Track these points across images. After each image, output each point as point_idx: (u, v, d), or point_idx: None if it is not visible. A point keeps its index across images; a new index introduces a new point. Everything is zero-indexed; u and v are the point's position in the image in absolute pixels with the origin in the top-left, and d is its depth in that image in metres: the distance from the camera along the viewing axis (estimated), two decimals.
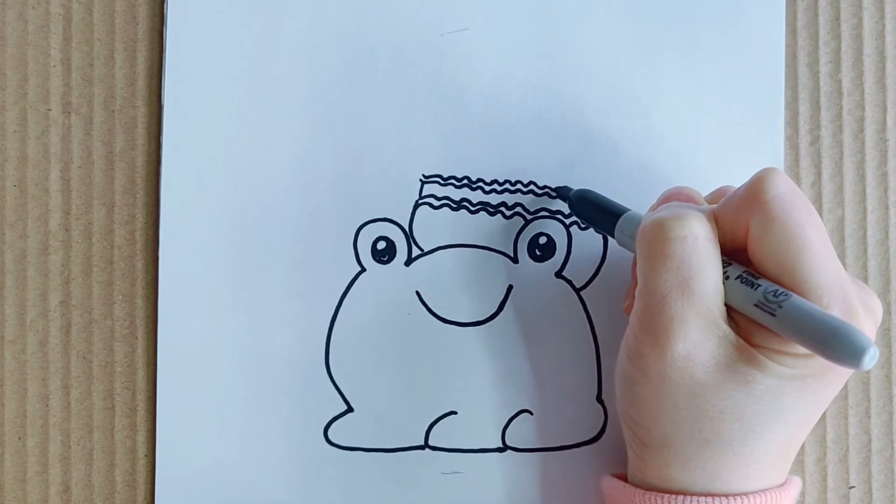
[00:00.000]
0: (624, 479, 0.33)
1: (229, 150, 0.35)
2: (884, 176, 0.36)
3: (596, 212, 0.34)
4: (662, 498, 0.30)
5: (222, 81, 0.36)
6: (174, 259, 0.35)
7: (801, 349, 0.27)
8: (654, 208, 0.32)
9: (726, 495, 0.29)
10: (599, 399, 0.36)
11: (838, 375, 0.29)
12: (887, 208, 0.36)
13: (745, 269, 0.29)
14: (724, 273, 0.29)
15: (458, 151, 0.36)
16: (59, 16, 0.36)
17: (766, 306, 0.27)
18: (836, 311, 0.27)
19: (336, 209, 0.36)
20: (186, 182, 0.35)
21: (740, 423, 0.29)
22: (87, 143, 0.36)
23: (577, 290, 0.36)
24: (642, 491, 0.31)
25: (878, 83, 0.37)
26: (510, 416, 0.36)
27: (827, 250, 0.28)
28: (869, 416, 0.36)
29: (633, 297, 0.31)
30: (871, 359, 0.24)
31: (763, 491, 0.30)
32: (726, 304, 0.29)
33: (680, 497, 0.30)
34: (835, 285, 0.27)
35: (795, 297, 0.27)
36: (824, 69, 0.37)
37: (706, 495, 0.29)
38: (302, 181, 0.36)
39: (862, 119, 0.37)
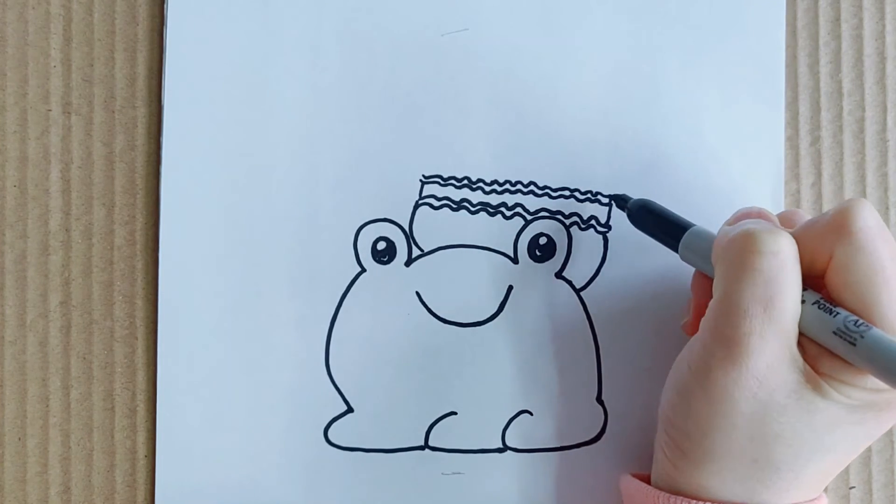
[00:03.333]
0: (645, 479, 0.33)
1: (229, 151, 0.35)
2: (884, 176, 0.36)
3: (658, 224, 0.33)
4: None
5: (222, 81, 0.36)
6: (174, 259, 0.35)
7: (869, 383, 0.27)
8: (729, 224, 0.31)
9: None
10: (599, 399, 0.36)
11: (895, 413, 0.29)
12: (888, 209, 0.36)
13: (821, 295, 0.28)
14: (801, 297, 0.28)
15: (458, 151, 0.36)
16: (59, 16, 0.36)
17: (847, 335, 0.27)
18: None
19: (336, 209, 0.36)
20: (186, 182, 0.35)
21: (793, 448, 0.28)
22: (87, 144, 0.36)
23: (578, 291, 0.36)
24: (670, 496, 0.30)
25: (878, 83, 0.37)
26: (510, 417, 0.35)
27: None
28: None
29: (695, 314, 0.30)
30: None
31: None
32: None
33: None
34: None
35: (876, 329, 0.26)
36: (825, 69, 0.37)
37: None
38: (302, 181, 0.36)
39: (862, 119, 0.37)
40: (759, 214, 0.31)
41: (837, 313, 0.27)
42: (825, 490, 0.34)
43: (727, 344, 0.28)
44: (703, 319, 0.29)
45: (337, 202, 0.36)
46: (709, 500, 0.30)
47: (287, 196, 0.35)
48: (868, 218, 0.28)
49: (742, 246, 0.28)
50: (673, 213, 0.33)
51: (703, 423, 0.29)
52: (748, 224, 0.29)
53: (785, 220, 0.31)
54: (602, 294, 0.36)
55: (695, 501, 0.30)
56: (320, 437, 0.35)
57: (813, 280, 0.29)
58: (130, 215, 0.36)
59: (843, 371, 0.27)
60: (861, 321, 0.27)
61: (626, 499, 0.33)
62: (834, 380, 0.27)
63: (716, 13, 0.36)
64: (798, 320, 0.28)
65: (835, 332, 0.27)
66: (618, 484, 0.35)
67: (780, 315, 0.27)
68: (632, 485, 0.33)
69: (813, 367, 0.28)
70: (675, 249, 0.32)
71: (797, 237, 0.28)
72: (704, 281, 0.32)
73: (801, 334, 0.28)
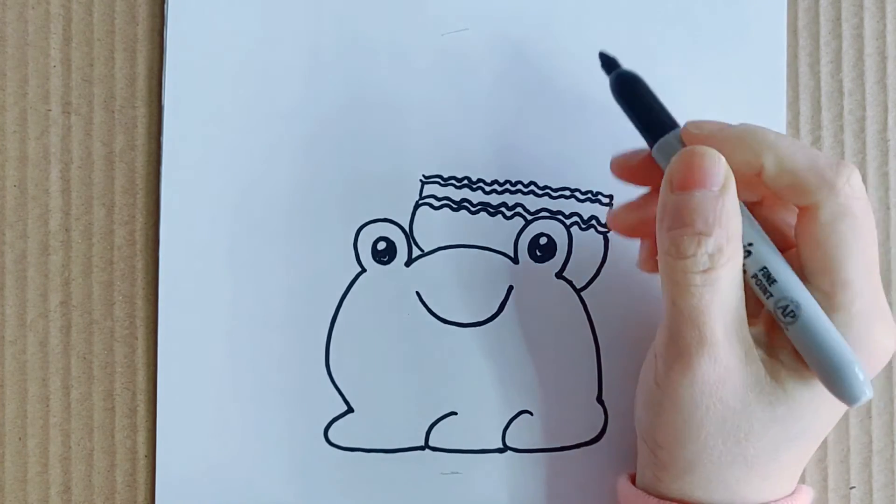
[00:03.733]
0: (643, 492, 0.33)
1: (229, 151, 0.35)
2: (885, 176, 0.36)
3: (638, 108, 0.31)
4: None
5: (222, 81, 0.35)
6: (174, 259, 0.35)
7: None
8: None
9: None
10: (600, 399, 0.36)
11: None
12: (888, 208, 0.36)
13: (763, 266, 0.28)
14: (743, 265, 0.28)
15: (458, 151, 0.36)
16: (59, 16, 0.36)
17: (780, 318, 0.27)
18: (862, 314, 0.27)
19: (336, 209, 0.36)
20: (186, 182, 0.35)
21: (762, 443, 0.28)
22: (87, 144, 0.36)
23: (578, 291, 0.36)
24: (657, 500, 0.30)
25: (879, 83, 0.37)
26: (510, 417, 0.35)
27: (876, 263, 0.28)
28: (870, 417, 0.36)
29: (648, 251, 0.31)
30: (863, 401, 0.25)
31: (776, 501, 0.30)
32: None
33: None
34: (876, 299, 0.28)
35: (806, 313, 0.27)
36: (825, 69, 0.37)
37: None
38: (302, 181, 0.35)
39: (863, 119, 0.37)
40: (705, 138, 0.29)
41: (771, 294, 0.27)
42: (827, 491, 0.34)
43: (681, 353, 0.28)
44: (659, 333, 0.30)
45: (337, 202, 0.36)
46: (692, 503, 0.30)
47: (287, 196, 0.35)
48: (859, 184, 0.28)
49: (674, 266, 0.27)
50: (658, 102, 0.31)
51: (676, 434, 0.29)
52: (674, 225, 0.28)
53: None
54: (602, 294, 0.36)
55: None
56: (320, 437, 0.35)
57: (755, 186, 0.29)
58: (130, 215, 0.36)
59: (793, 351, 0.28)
60: (790, 308, 0.27)
61: (620, 500, 0.33)
62: (788, 366, 0.28)
63: (716, 13, 0.36)
64: (744, 308, 0.28)
65: (772, 310, 0.27)
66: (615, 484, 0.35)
67: (728, 318, 0.27)
68: (622, 486, 0.33)
69: (769, 345, 0.28)
70: (647, 141, 0.31)
71: (781, 151, 0.28)
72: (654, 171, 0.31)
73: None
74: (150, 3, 0.36)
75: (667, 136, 0.30)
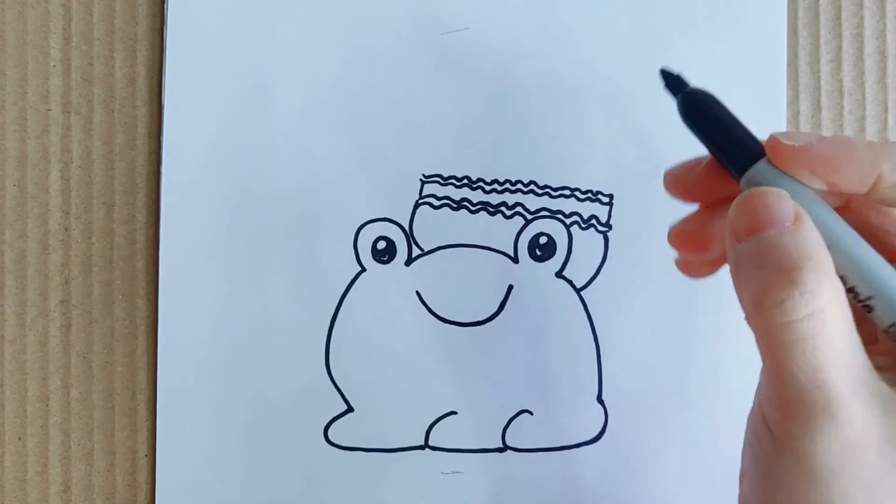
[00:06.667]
0: None
1: (229, 150, 0.35)
2: None
3: (716, 133, 0.27)
4: None
5: (222, 81, 0.35)
6: (174, 259, 0.35)
7: None
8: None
9: None
10: (600, 399, 0.36)
11: None
12: None
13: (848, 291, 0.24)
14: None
15: (458, 151, 0.36)
16: (58, 16, 0.36)
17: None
18: None
19: (336, 209, 0.36)
20: (186, 182, 0.35)
21: None
22: (87, 143, 0.36)
23: (578, 290, 0.36)
24: None
25: (879, 82, 0.37)
26: (510, 416, 0.35)
27: None
28: None
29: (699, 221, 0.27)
30: None
31: None
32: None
33: None
34: None
35: None
36: (825, 68, 0.37)
37: None
38: (302, 181, 0.36)
39: (863, 118, 0.37)
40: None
41: (871, 309, 0.23)
42: None
43: (809, 420, 0.23)
44: (766, 400, 0.24)
45: (337, 202, 0.36)
46: None
47: (287, 195, 0.35)
48: None
49: (771, 316, 0.23)
50: (741, 126, 0.27)
51: None
52: (758, 281, 0.23)
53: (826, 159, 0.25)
54: (602, 294, 0.36)
55: None
56: (320, 437, 0.35)
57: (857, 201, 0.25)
58: (130, 214, 0.36)
59: None
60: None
61: None
62: None
63: (716, 12, 0.36)
64: (861, 347, 0.23)
65: (885, 331, 0.23)
66: None
67: (847, 369, 0.23)
68: None
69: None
70: (732, 174, 0.26)
71: (834, 165, 0.24)
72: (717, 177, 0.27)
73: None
74: (150, 2, 0.36)
75: (757, 167, 0.25)
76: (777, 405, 0.24)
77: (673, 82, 0.27)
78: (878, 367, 0.24)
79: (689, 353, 0.36)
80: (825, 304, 0.22)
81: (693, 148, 0.36)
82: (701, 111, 0.27)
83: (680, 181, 0.28)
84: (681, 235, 0.29)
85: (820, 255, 0.23)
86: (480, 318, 0.36)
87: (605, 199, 0.36)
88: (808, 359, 0.22)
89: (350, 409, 0.35)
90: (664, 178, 0.29)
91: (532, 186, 0.36)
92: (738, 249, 0.24)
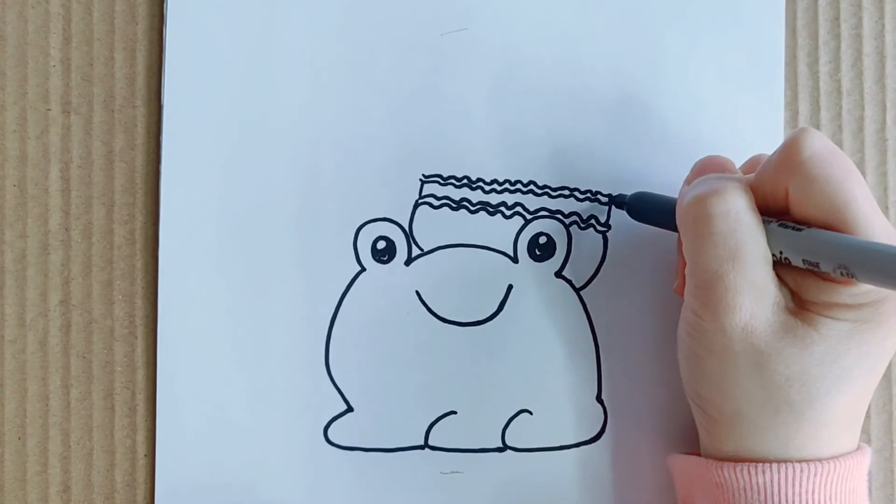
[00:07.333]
0: (696, 456, 0.32)
1: (229, 150, 0.35)
2: (883, 175, 0.37)
3: (654, 209, 0.33)
4: (737, 467, 0.29)
5: (222, 81, 0.36)
6: (174, 259, 0.35)
7: (850, 298, 0.28)
8: (688, 181, 0.32)
9: (801, 461, 0.29)
10: (599, 399, 0.36)
11: (893, 325, 0.29)
12: (887, 208, 0.36)
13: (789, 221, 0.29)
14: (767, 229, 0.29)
15: (458, 151, 0.36)
16: (58, 15, 0.36)
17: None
18: None
19: (336, 209, 0.36)
20: (186, 182, 0.35)
21: (806, 387, 0.28)
22: (87, 143, 0.36)
23: (577, 290, 0.36)
24: (717, 462, 0.30)
25: (877, 83, 0.37)
26: (510, 416, 0.36)
27: (871, 204, 0.27)
28: (869, 416, 0.36)
29: (683, 275, 0.31)
30: None
31: (836, 457, 0.29)
32: (780, 264, 0.29)
33: (756, 465, 0.29)
34: (885, 234, 0.27)
35: (858, 259, 0.26)
36: (824, 69, 0.37)
37: (782, 462, 0.29)
38: (302, 181, 0.36)
39: (861, 119, 0.37)
40: (713, 164, 0.32)
41: (800, 229, 0.28)
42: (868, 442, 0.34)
43: (711, 306, 0.29)
44: (685, 288, 0.30)
45: (337, 201, 0.36)
46: (752, 461, 0.29)
47: (287, 195, 0.35)
48: (814, 144, 0.28)
49: (695, 214, 0.29)
50: (667, 197, 0.33)
51: (718, 384, 0.30)
52: (695, 187, 0.30)
53: (751, 168, 0.32)
54: (602, 294, 0.36)
55: (742, 465, 0.29)
56: (320, 437, 0.35)
57: (783, 217, 0.29)
58: (130, 214, 0.36)
59: (826, 292, 0.28)
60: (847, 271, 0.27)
61: (679, 479, 0.33)
62: (820, 305, 0.28)
63: (715, 13, 0.36)
64: (770, 260, 0.29)
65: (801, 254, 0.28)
66: (667, 467, 0.35)
67: (750, 266, 0.28)
68: (680, 461, 0.33)
69: (799, 301, 0.29)
70: (675, 230, 0.32)
71: (754, 184, 0.29)
72: None
73: (782, 270, 0.29)
74: (150, 2, 0.36)
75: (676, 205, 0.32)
76: (693, 293, 0.30)
77: (615, 202, 0.35)
78: (785, 284, 0.29)
79: None
80: (739, 209, 0.28)
81: (692, 147, 0.37)
82: (641, 206, 0.34)
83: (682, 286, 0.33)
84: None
85: (741, 183, 0.29)
86: (480, 318, 0.36)
87: (605, 199, 0.36)
88: (718, 251, 0.28)
89: (350, 409, 0.35)
90: (675, 290, 0.34)
91: (531, 186, 0.36)
92: (683, 191, 0.31)
